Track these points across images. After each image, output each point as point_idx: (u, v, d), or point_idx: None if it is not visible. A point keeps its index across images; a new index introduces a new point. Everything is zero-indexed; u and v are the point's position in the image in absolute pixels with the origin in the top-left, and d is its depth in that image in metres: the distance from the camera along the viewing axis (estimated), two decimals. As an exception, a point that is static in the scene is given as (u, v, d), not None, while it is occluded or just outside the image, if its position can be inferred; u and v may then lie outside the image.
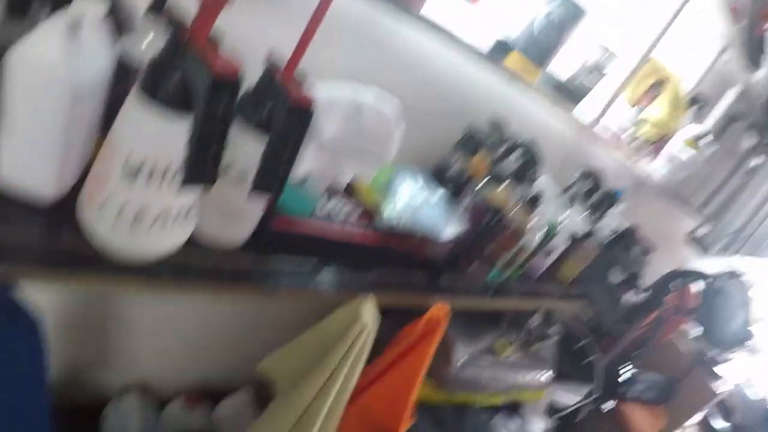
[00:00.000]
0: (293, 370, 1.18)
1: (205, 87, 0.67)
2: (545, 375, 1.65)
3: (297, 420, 1.18)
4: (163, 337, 1.59)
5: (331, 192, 1.14)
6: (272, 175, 0.85)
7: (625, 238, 1.72)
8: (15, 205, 0.85)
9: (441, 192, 1.25)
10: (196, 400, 1.56)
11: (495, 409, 1.65)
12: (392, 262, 1.19)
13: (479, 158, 1.30)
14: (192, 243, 0.92)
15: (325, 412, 1.15)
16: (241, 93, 0.80)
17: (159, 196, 0.78)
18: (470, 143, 1.29)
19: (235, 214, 0.96)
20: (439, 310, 1.16)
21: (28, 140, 0.81)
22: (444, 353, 1.41)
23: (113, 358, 1.58)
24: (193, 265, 0.94)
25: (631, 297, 1.80)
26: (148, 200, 0.78)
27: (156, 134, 0.74)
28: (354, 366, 1.10)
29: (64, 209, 0.86)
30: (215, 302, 1.53)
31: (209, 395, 1.65)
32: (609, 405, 2.05)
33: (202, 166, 0.74)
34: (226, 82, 0.68)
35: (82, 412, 1.44)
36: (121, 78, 0.90)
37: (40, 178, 0.85)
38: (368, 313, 1.06)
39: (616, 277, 1.73)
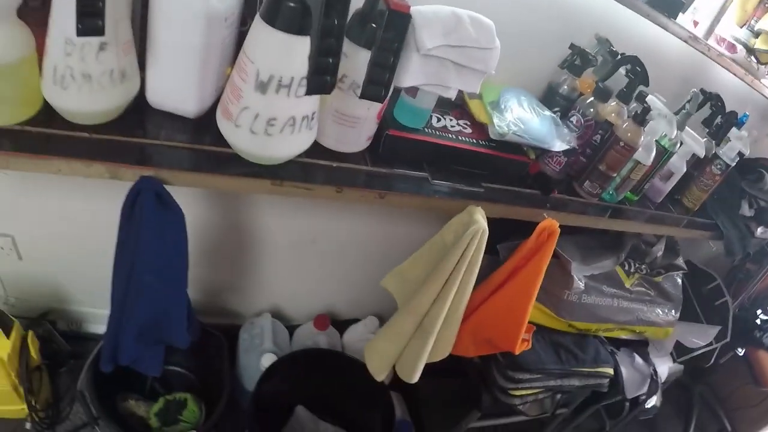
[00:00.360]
0: (412, 282, 1.26)
1: (320, 6, 0.77)
2: (672, 312, 1.62)
3: (417, 326, 1.25)
4: (294, 266, 1.74)
5: (443, 108, 1.21)
6: (378, 79, 0.97)
7: (756, 168, 1.64)
8: (164, 120, 1.02)
9: (549, 111, 1.28)
10: (325, 323, 1.68)
11: (617, 344, 1.64)
12: (504, 175, 1.24)
13: (586, 77, 1.31)
14: (315, 149, 1.04)
15: (444, 316, 1.22)
16: (349, 16, 0.91)
17: (286, 104, 0.91)
18: (576, 62, 1.31)
19: (351, 122, 1.06)
20: (550, 223, 1.19)
21: (171, 64, 0.96)
22: (561, 277, 1.43)
23: (248, 285, 1.75)
24: (317, 168, 1.06)
25: (764, 233, 1.70)
26: (277, 109, 0.91)
27: (279, 53, 0.87)
28: (470, 269, 1.16)
29: (205, 122, 1.03)
30: (340, 219, 1.65)
31: (336, 325, 1.78)
32: (739, 351, 1.95)
33: (322, 76, 0.86)
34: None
35: (218, 329, 1.61)
36: (249, 8, 1.04)
37: (183, 97, 1.01)
38: (481, 218, 1.12)
39: (746, 209, 1.65)
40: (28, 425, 1.64)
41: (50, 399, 1.70)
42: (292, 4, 0.82)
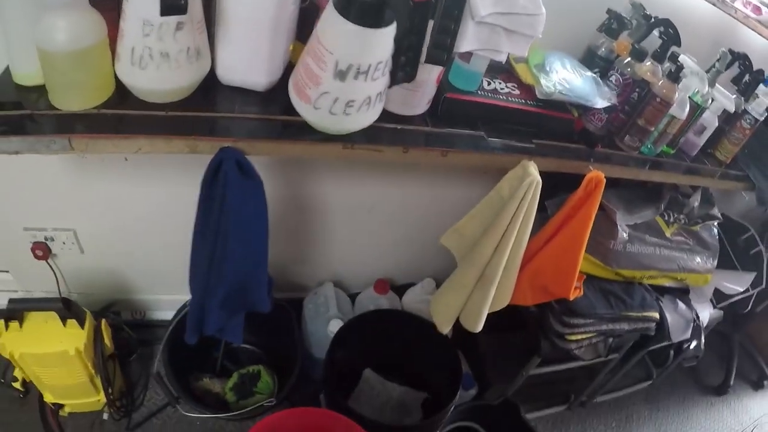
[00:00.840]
0: (470, 237, 1.36)
1: (407, 10, 0.89)
2: (710, 259, 1.71)
3: (479, 276, 1.36)
4: (352, 235, 1.86)
5: (491, 72, 1.32)
6: (441, 44, 1.08)
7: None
8: (235, 94, 1.12)
9: (590, 72, 1.39)
10: (385, 287, 1.79)
11: (661, 291, 1.74)
12: (551, 132, 1.33)
13: (622, 40, 1.41)
14: (381, 113, 1.13)
15: (504, 265, 1.32)
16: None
17: (364, 87, 1.00)
18: (613, 26, 1.40)
19: (415, 87, 1.15)
20: (597, 174, 1.28)
21: (243, 40, 1.04)
22: (607, 228, 1.52)
23: (309, 256, 1.87)
24: (383, 131, 1.15)
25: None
26: (355, 93, 1.00)
27: (357, 45, 0.94)
28: (527, 219, 1.26)
29: (274, 94, 1.13)
30: (394, 186, 1.74)
31: (393, 290, 1.89)
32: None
33: (407, 67, 0.98)
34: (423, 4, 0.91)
35: (285, 300, 1.73)
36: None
37: (253, 71, 1.10)
38: (534, 170, 1.22)
39: (776, 160, 1.73)
40: (105, 416, 1.73)
41: (123, 387, 1.79)
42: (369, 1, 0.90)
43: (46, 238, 1.65)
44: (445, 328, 1.49)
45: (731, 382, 2.50)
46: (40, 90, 0.98)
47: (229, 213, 1.09)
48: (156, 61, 0.95)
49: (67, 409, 1.72)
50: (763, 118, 1.59)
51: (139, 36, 0.93)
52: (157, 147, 1.00)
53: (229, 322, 1.37)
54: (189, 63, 1.00)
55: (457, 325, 1.55)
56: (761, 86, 1.60)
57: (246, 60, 1.08)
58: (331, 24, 0.94)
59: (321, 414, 1.45)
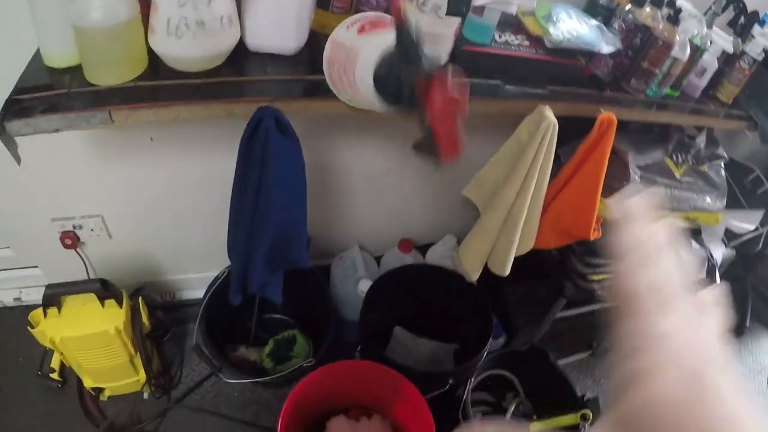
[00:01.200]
0: (491, 185, 1.43)
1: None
2: (719, 198, 1.77)
3: (504, 220, 1.42)
4: (372, 200, 1.92)
5: (500, 27, 1.38)
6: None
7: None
8: (264, 60, 1.18)
9: (595, 20, 1.45)
10: (409, 246, 1.85)
11: (674, 231, 1.78)
12: (562, 78, 1.39)
13: (622, -13, 1.48)
14: None
15: (527, 207, 1.39)
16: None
17: None
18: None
19: (435, 40, 1.21)
20: (608, 115, 1.34)
21: (273, 6, 1.09)
22: (619, 171, 1.58)
23: (333, 223, 1.93)
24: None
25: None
26: None
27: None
28: (546, 161, 1.33)
29: (301, 57, 1.19)
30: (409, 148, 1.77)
31: (417, 250, 1.95)
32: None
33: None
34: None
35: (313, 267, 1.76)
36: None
37: (282, 37, 1.16)
38: (550, 114, 1.29)
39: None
40: (145, 395, 1.78)
41: (159, 367, 1.83)
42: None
43: (74, 227, 1.68)
44: (474, 275, 1.55)
45: (747, 324, 2.56)
46: (72, 71, 1.03)
47: (269, 167, 1.14)
48: (192, 30, 1.00)
49: (107, 393, 1.76)
50: (761, 58, 1.65)
51: (175, 7, 0.97)
52: (194, 113, 1.04)
53: (271, 279, 1.41)
54: (223, 31, 1.05)
55: (482, 277, 1.62)
56: (756, 27, 1.66)
57: (276, 27, 1.13)
58: (367, 89, 0.98)
59: (365, 366, 1.51)
